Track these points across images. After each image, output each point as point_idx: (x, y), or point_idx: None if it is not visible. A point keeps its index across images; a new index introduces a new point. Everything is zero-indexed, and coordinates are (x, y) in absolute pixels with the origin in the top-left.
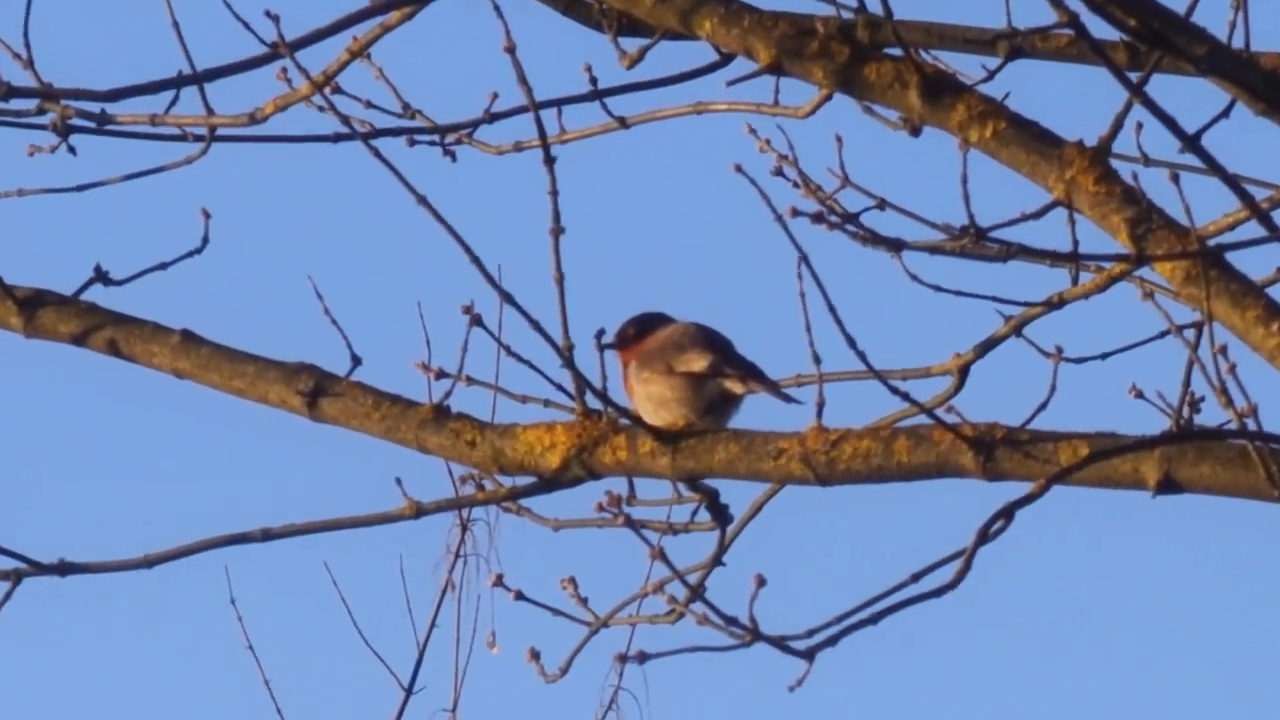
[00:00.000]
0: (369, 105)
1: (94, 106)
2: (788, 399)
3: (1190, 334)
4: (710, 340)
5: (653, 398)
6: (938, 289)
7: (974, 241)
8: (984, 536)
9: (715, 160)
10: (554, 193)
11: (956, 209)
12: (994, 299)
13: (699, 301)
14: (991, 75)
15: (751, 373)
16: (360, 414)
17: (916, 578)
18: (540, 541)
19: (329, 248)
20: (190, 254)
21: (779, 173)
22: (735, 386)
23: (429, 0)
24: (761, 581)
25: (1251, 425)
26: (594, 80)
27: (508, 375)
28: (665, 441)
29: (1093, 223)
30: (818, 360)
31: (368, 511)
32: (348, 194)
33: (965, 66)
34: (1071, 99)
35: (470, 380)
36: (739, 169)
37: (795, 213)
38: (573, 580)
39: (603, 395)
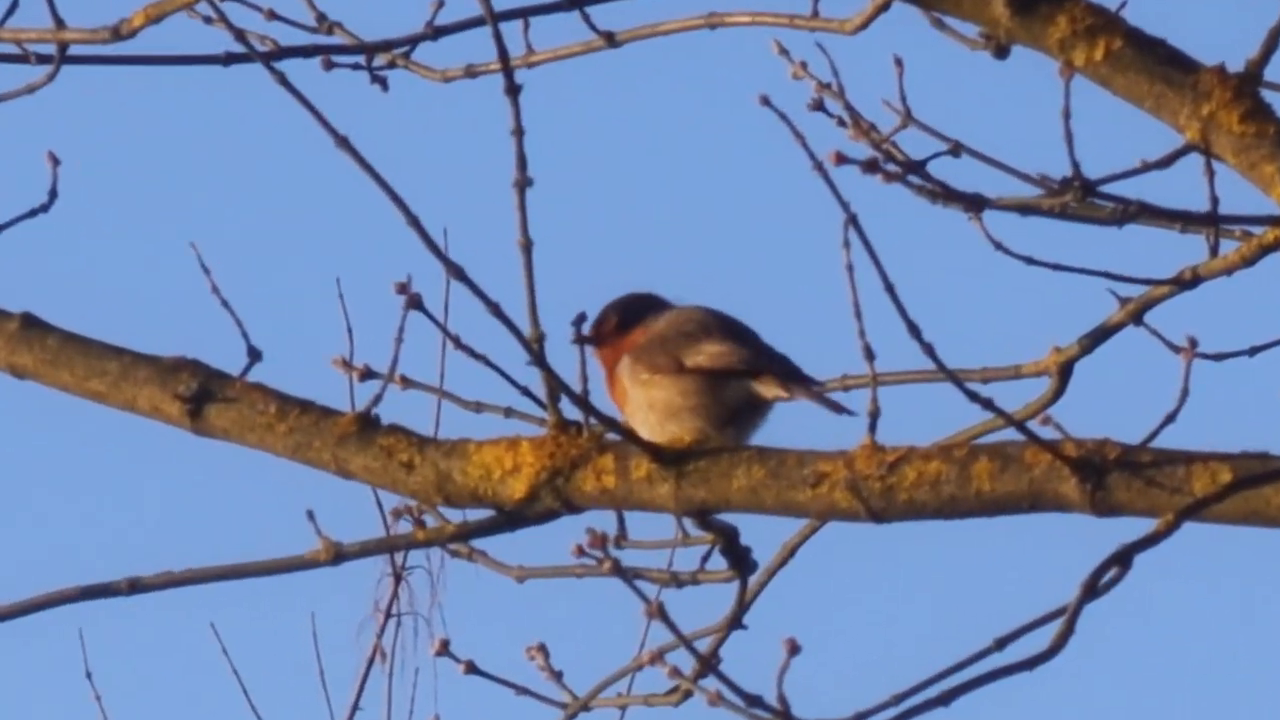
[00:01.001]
0: (272, 16)
1: None
2: (837, 408)
3: None
4: (730, 328)
5: (656, 404)
6: (1030, 261)
7: (1079, 198)
8: (1091, 590)
9: (734, 90)
10: (518, 133)
11: (1056, 156)
12: (1106, 275)
13: (710, 279)
14: None
15: (790, 372)
16: (260, 426)
17: (1002, 644)
18: (500, 596)
19: (219, 206)
20: (33, 213)
21: (819, 106)
22: (769, 389)
23: None
24: (795, 648)
25: None
26: None
27: (456, 375)
28: (667, 463)
29: (1237, 173)
30: (870, 356)
31: (270, 555)
32: (243, 134)
33: None
34: (1209, 10)
35: (407, 382)
36: (766, 102)
37: (841, 159)
38: (543, 648)
39: (583, 401)
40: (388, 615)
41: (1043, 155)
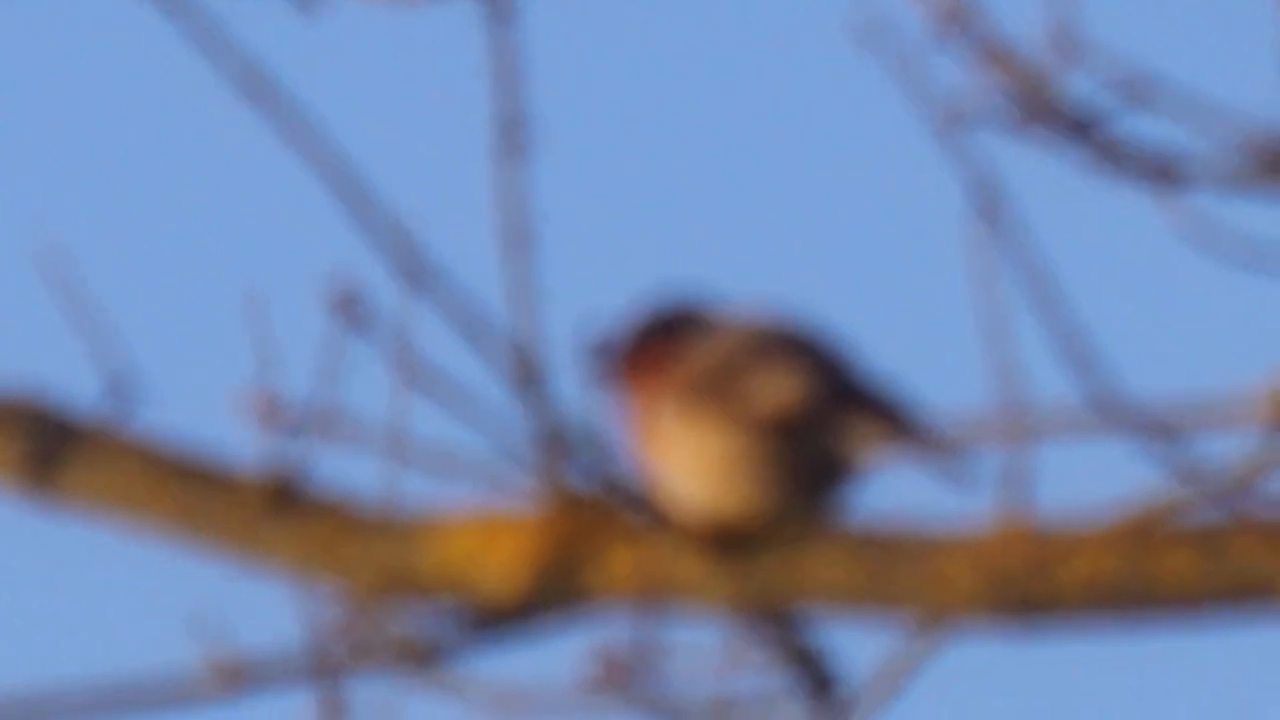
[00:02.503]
0: None
1: None
2: (963, 479)
3: None
4: (810, 351)
5: (702, 466)
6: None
7: None
8: None
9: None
10: (512, 74)
11: None
12: None
13: (776, 275)
14: None
15: (896, 417)
16: (130, 490)
17: None
18: None
19: (67, 174)
20: None
21: (935, 33)
22: (868, 445)
23: None
24: None
25: None
26: None
27: (416, 421)
28: (720, 551)
29: None
30: (1018, 398)
31: (136, 676)
32: (104, 67)
33: None
34: None
35: (342, 434)
36: (850, 27)
37: (959, 113)
38: None
39: (599, 463)
40: None
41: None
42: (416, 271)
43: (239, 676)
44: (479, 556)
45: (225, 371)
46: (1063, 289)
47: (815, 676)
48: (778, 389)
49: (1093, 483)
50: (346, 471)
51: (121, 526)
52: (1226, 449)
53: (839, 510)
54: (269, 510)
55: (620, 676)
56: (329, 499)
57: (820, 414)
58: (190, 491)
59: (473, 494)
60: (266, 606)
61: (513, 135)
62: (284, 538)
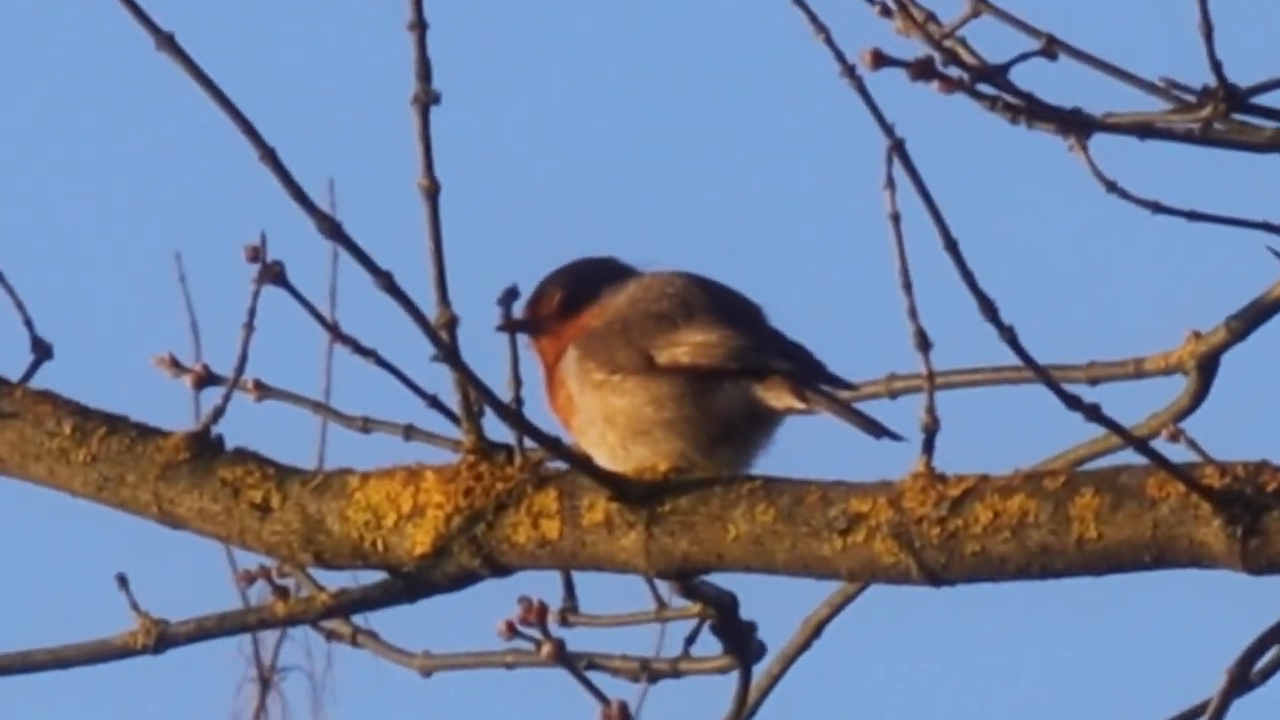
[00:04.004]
0: None
1: None
2: (876, 428)
3: None
4: (723, 305)
5: (617, 418)
6: (1156, 208)
7: (1223, 114)
8: (1241, 679)
9: None
10: (419, 27)
11: (1191, 56)
12: (1265, 226)
13: (697, 240)
14: None
15: (806, 369)
16: (49, 452)
17: None
18: (399, 694)
19: None
20: None
21: None
22: (778, 397)
23: None
24: None
25: None
26: None
27: (336, 380)
28: (634, 502)
29: None
30: (925, 345)
31: (67, 640)
32: (25, 26)
33: None
34: None
35: (262, 389)
36: None
37: (879, 60)
38: None
39: (514, 414)
40: None
41: (1170, 57)
42: (333, 229)
43: (162, 633)
44: (396, 510)
45: (147, 331)
46: (976, 236)
47: (728, 626)
48: (693, 340)
49: (1008, 431)
50: (267, 428)
51: (40, 483)
52: (1142, 395)
53: (749, 459)
54: (188, 466)
55: (538, 620)
56: (249, 454)
57: (734, 365)
58: (110, 447)
59: (395, 448)
60: (189, 563)
61: (424, 87)
62: (202, 494)
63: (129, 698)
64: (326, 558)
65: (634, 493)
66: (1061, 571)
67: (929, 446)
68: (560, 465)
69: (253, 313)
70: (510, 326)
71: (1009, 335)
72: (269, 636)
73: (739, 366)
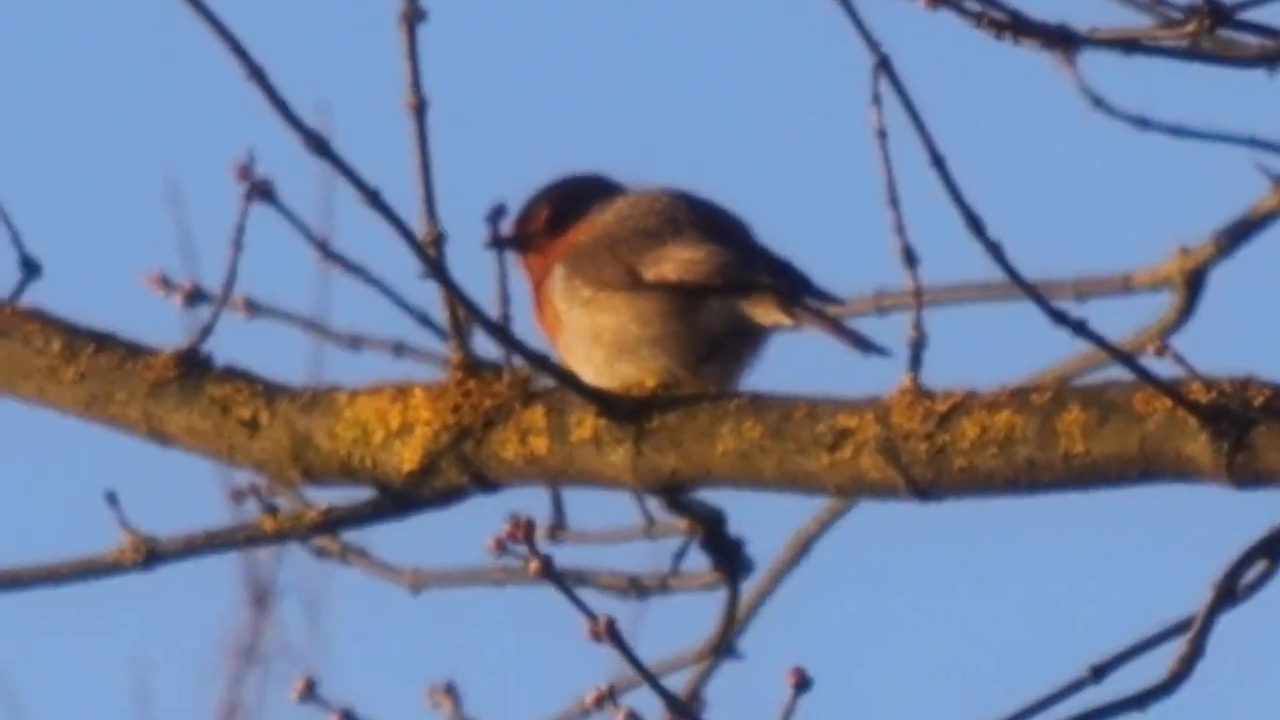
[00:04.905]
0: None
1: None
2: (862, 342)
3: None
4: (710, 222)
5: (603, 334)
6: (1141, 124)
7: (1208, 29)
8: (1227, 593)
9: None
10: None
11: None
12: (1251, 142)
13: (684, 158)
14: None
15: (794, 285)
16: (38, 370)
17: (1100, 673)
18: (388, 611)
19: None
20: None
21: None
22: (765, 313)
23: None
24: (803, 682)
25: None
26: None
27: (326, 298)
28: (621, 418)
29: None
30: (912, 261)
31: (53, 556)
32: None
33: None
34: None
35: (250, 306)
36: None
37: None
38: (450, 690)
39: (501, 330)
40: (247, 656)
41: None
42: (319, 145)
43: (150, 550)
44: (384, 427)
45: (141, 251)
46: (961, 156)
47: (716, 541)
48: (680, 256)
49: (995, 347)
50: (255, 346)
51: (28, 401)
52: (1129, 311)
53: (736, 375)
54: (176, 384)
55: (525, 536)
56: (238, 371)
57: (721, 281)
58: (98, 365)
59: (384, 365)
60: (180, 481)
61: (413, 3)
62: (190, 411)
63: (126, 616)
64: (315, 474)
65: (622, 409)
66: (1048, 486)
67: (916, 362)
68: (548, 382)
69: (241, 230)
70: (498, 243)
71: (996, 251)
72: (265, 556)
73: (726, 282)
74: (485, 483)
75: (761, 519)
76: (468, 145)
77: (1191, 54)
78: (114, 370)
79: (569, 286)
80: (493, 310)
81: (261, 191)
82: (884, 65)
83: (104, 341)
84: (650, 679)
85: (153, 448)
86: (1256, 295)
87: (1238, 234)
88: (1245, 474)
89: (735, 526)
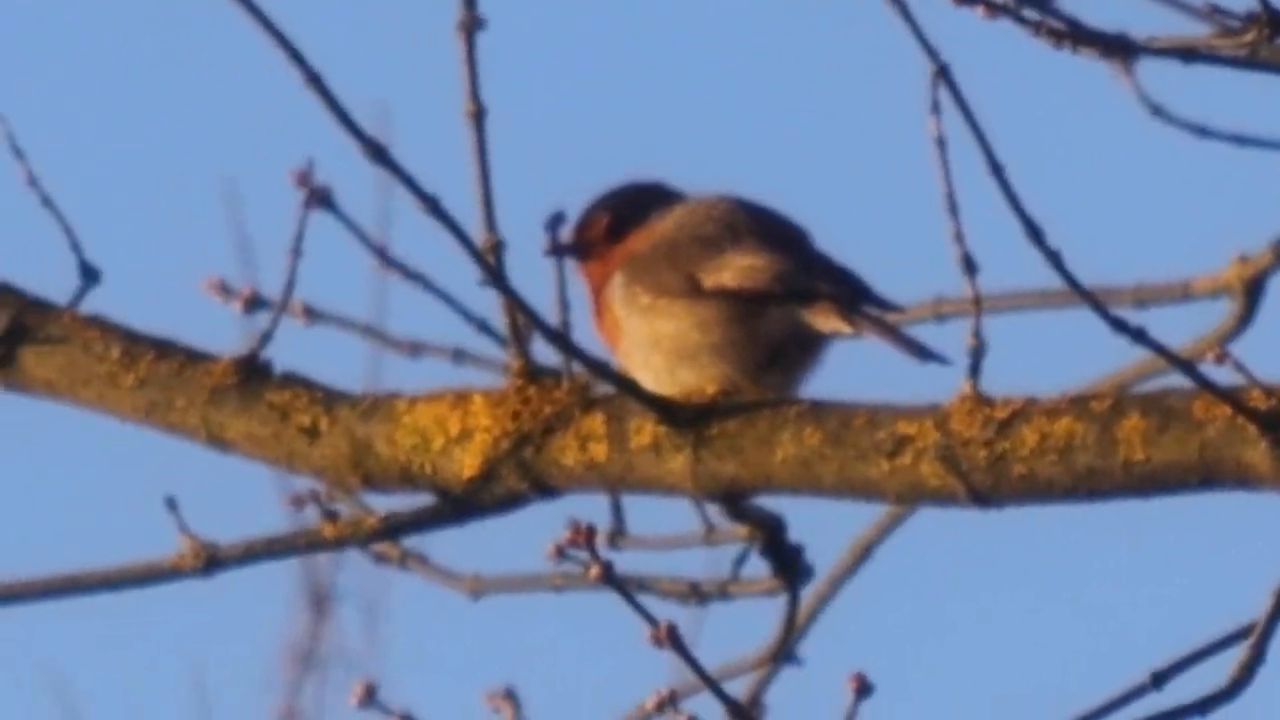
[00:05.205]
0: None
1: None
2: (921, 351)
3: None
4: (769, 229)
5: (663, 341)
6: (1201, 132)
7: (1268, 38)
8: None
9: None
10: None
11: None
12: None
13: (744, 165)
14: None
15: (856, 294)
16: (98, 376)
17: (1161, 680)
18: (449, 617)
19: (33, 70)
20: None
21: None
22: (825, 320)
23: None
24: (864, 688)
25: None
26: None
27: (384, 304)
28: (682, 425)
29: None
30: (972, 269)
31: (117, 561)
32: None
33: None
34: None
35: (310, 313)
36: None
37: None
38: (510, 695)
39: (562, 338)
40: (308, 661)
41: None
42: (379, 153)
43: (211, 556)
44: (444, 434)
45: (200, 258)
46: (1021, 164)
47: (776, 548)
48: (740, 263)
49: (1054, 355)
50: (315, 353)
51: (89, 407)
52: (1189, 318)
53: (796, 382)
54: (236, 390)
55: (585, 542)
56: (297, 378)
57: (780, 288)
58: (158, 371)
59: (444, 372)
60: (241, 486)
61: (470, 12)
62: (250, 418)
63: (186, 621)
64: (375, 481)
65: (681, 416)
66: (1108, 494)
67: (975, 370)
68: (608, 389)
69: (300, 237)
70: (557, 250)
71: (1055, 259)
72: (323, 562)
73: (785, 290)
74: (545, 489)
75: (821, 525)
76: (526, 151)
77: (1250, 62)
78: (173, 377)
79: (629, 293)
80: (552, 317)
81: (320, 198)
82: (943, 74)
83: (163, 348)
84: (711, 684)
85: (212, 454)
86: None
87: None
88: None
89: (795, 532)
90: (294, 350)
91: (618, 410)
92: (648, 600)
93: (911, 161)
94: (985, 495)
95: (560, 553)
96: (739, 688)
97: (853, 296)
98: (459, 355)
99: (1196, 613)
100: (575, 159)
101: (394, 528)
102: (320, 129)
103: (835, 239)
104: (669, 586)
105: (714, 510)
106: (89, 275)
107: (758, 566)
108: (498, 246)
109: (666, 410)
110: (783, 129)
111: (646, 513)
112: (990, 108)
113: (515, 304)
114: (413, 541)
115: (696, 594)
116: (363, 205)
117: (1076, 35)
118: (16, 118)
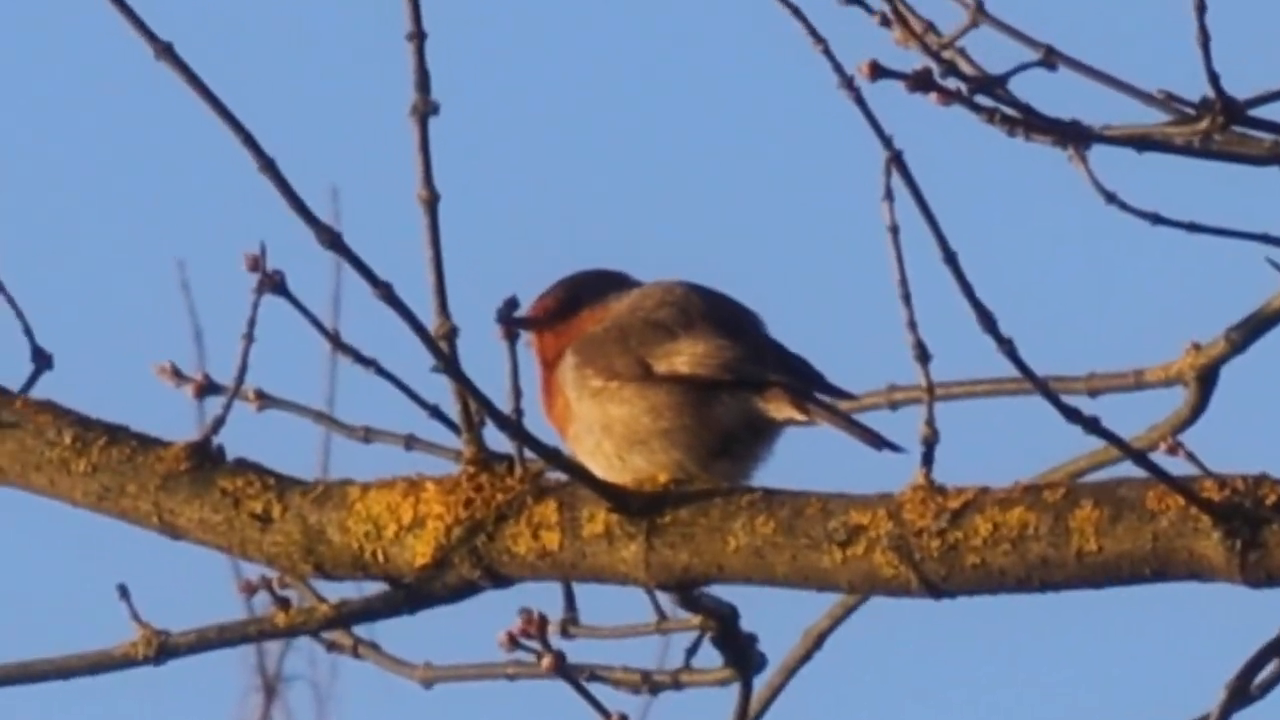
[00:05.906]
0: None
1: None
2: (875, 440)
3: None
4: (722, 315)
5: (614, 427)
6: (1155, 219)
7: (1221, 127)
8: (1242, 693)
9: None
10: (417, 38)
11: (1187, 68)
12: (1264, 239)
13: (698, 252)
14: None
15: (806, 381)
16: (49, 462)
17: None
18: (400, 704)
19: None
20: None
21: None
22: (778, 408)
23: None
24: None
25: None
26: None
27: (337, 390)
28: (634, 513)
29: None
30: (924, 358)
31: (68, 651)
32: (26, 43)
33: None
34: None
35: (262, 398)
36: None
37: (876, 71)
38: None
39: (513, 424)
40: None
41: (1168, 68)
42: (332, 239)
43: (163, 644)
44: (396, 521)
45: (148, 341)
46: (974, 252)
47: (729, 637)
48: (692, 349)
49: (1007, 443)
50: (267, 439)
51: (40, 494)
52: (1141, 407)
53: (748, 470)
54: (188, 477)
55: (537, 631)
56: (249, 464)
57: (732, 376)
58: (110, 458)
59: (396, 458)
60: (191, 574)
61: (423, 97)
62: (202, 504)
63: (134, 706)
64: (327, 568)
65: (634, 504)
66: (1061, 584)
67: (928, 458)
68: (560, 476)
69: (253, 322)
70: (512, 323)
71: (1008, 347)
72: (274, 646)
73: (737, 377)
74: (497, 577)
75: (774, 613)
76: (480, 238)
77: (1204, 151)
78: (125, 463)
79: (580, 376)
80: (505, 404)
81: (273, 283)
82: (897, 161)
83: (116, 433)
84: None
85: (164, 540)
86: (1269, 392)
87: (1250, 331)
88: (1258, 573)
89: (747, 621)
90: (246, 435)
91: (570, 498)
92: (600, 690)
93: (865, 248)
94: (938, 585)
95: (513, 641)
96: None
97: (806, 384)
98: (411, 441)
99: (1150, 705)
100: (529, 246)
101: (347, 616)
102: (273, 213)
103: (789, 326)
104: (622, 676)
105: (666, 599)
106: (41, 360)
107: (710, 656)
108: (451, 333)
109: (619, 498)
110: (736, 216)
111: (599, 600)
112: (944, 194)
113: (468, 391)
114: (365, 629)
115: (649, 684)
116: (315, 290)
117: (1030, 123)
118: None
